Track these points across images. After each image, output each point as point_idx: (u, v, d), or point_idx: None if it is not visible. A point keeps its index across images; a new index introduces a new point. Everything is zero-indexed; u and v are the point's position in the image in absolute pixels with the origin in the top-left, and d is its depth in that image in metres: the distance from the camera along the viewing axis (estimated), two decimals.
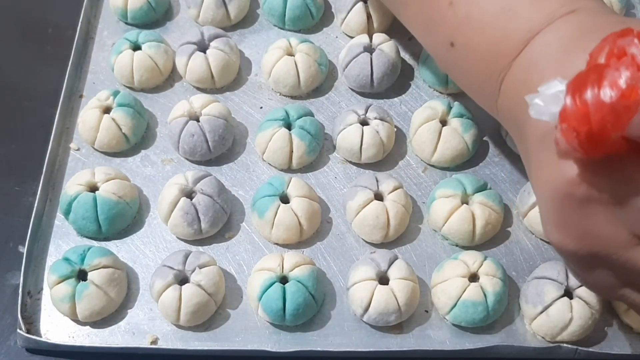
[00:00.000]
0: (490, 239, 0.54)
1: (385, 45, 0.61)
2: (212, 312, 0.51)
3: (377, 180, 0.55)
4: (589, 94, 0.27)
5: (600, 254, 0.33)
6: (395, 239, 0.54)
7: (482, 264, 0.50)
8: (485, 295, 0.49)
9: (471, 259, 0.51)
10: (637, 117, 0.27)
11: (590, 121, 0.27)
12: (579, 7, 0.39)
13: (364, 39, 0.61)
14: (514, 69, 0.41)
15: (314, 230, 0.55)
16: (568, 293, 0.49)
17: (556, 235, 0.35)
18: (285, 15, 0.65)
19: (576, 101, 0.27)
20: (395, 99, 0.62)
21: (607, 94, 0.27)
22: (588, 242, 0.33)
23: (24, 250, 0.53)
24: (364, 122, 0.57)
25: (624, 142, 0.28)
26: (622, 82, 0.27)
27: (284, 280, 0.50)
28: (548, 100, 0.29)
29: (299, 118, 0.57)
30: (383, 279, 0.51)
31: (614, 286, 0.36)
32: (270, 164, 0.58)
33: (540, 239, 0.55)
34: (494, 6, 0.42)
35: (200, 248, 0.54)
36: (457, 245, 0.54)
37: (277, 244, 0.54)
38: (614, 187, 0.30)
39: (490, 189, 0.55)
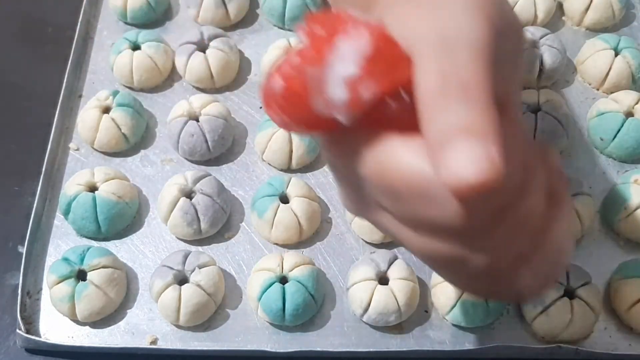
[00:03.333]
0: None
1: None
2: (212, 312, 0.51)
3: None
4: (270, 80, 0.28)
5: (367, 218, 0.34)
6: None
7: None
8: None
9: None
10: (315, 100, 0.27)
11: (271, 104, 0.28)
12: None
13: None
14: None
15: (314, 231, 0.55)
16: (568, 293, 0.49)
17: (339, 197, 0.36)
18: (285, 15, 0.65)
19: (266, 85, 0.29)
20: None
21: (276, 82, 0.28)
22: (353, 206, 0.35)
23: (23, 250, 0.52)
24: None
25: (327, 119, 0.28)
26: (285, 70, 0.28)
27: (283, 280, 0.50)
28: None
29: None
30: (383, 279, 0.51)
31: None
32: (269, 164, 0.58)
33: None
34: None
35: (200, 248, 0.54)
36: None
37: (276, 244, 0.54)
38: (342, 157, 0.31)
39: None
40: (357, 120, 0.28)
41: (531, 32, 0.62)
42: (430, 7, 0.29)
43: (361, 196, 0.32)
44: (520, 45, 0.33)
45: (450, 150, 0.25)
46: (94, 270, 0.50)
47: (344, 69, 0.27)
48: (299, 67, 0.27)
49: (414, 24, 0.29)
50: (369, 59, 0.27)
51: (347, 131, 0.29)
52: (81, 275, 0.51)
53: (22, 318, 0.50)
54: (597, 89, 0.63)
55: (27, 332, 0.50)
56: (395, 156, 0.28)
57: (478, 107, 0.26)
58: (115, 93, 0.59)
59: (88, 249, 0.51)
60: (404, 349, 0.50)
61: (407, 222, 0.30)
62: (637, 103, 0.58)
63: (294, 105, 0.28)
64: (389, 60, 0.28)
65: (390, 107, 0.28)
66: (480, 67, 0.27)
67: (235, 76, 0.63)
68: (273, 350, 0.49)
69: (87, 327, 0.51)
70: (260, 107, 0.62)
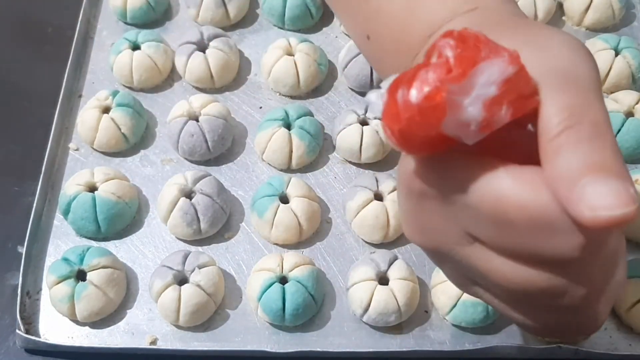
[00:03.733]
0: None
1: None
2: (212, 313, 0.51)
3: (376, 180, 0.55)
4: (399, 94, 0.28)
5: (441, 250, 0.33)
6: (395, 239, 0.54)
7: None
8: None
9: None
10: (450, 117, 0.27)
11: (400, 120, 0.28)
12: (483, 5, 0.38)
13: None
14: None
15: (314, 231, 0.55)
16: None
17: (405, 227, 0.35)
18: (284, 15, 0.65)
19: (390, 100, 0.28)
20: None
21: (414, 95, 0.27)
22: (428, 237, 0.34)
23: (22, 250, 0.52)
24: (363, 122, 0.57)
25: (446, 140, 0.28)
26: (429, 83, 0.27)
27: (283, 280, 0.50)
28: (378, 96, 0.29)
29: (298, 118, 0.57)
30: (383, 279, 0.51)
31: (465, 283, 0.36)
32: (269, 164, 0.58)
33: None
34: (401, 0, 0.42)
35: (200, 248, 0.54)
36: None
37: (276, 244, 0.54)
38: (443, 184, 0.31)
39: None
40: (475, 143, 0.28)
41: None
42: (538, 45, 0.31)
43: (443, 224, 0.32)
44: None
45: (588, 187, 0.26)
46: (93, 270, 0.50)
47: (484, 89, 0.27)
48: (442, 82, 0.27)
49: (535, 59, 0.29)
50: (508, 83, 0.27)
51: (457, 156, 0.29)
52: (81, 276, 0.50)
53: (21, 318, 0.50)
54: None
55: (27, 332, 0.50)
56: (515, 186, 0.28)
57: (609, 145, 0.27)
58: (115, 93, 0.59)
59: (88, 249, 0.51)
60: (404, 349, 0.50)
61: (509, 252, 0.30)
62: (637, 103, 0.58)
63: (426, 120, 0.27)
64: (524, 87, 0.28)
65: (509, 135, 0.29)
66: (602, 105, 0.29)
67: (235, 76, 0.63)
68: (273, 350, 0.49)
69: (87, 328, 0.51)
70: (261, 107, 0.62)
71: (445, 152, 0.29)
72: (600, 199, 0.26)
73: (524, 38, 0.31)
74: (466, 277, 0.35)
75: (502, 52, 0.28)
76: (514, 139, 0.29)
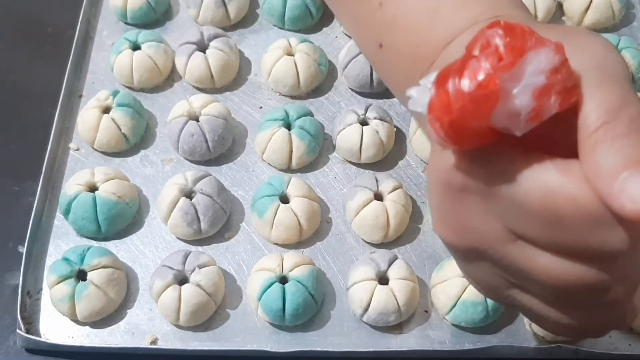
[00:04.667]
0: None
1: None
2: (212, 312, 0.51)
3: (376, 180, 0.55)
4: (450, 84, 0.28)
5: (479, 248, 0.33)
6: (395, 239, 0.54)
7: None
8: None
9: None
10: (500, 107, 0.27)
11: (452, 111, 0.27)
12: (502, 14, 0.38)
13: None
14: (431, 71, 0.40)
15: (314, 231, 0.55)
16: None
17: (438, 225, 0.34)
18: (285, 15, 0.65)
19: (439, 91, 0.28)
20: (395, 98, 0.62)
21: (467, 83, 0.27)
22: (465, 235, 0.33)
23: (23, 250, 0.52)
24: (363, 122, 0.57)
25: (493, 133, 0.28)
26: (482, 72, 0.27)
27: (283, 280, 0.50)
28: (421, 91, 0.29)
29: (298, 118, 0.57)
30: (383, 279, 0.51)
31: (499, 286, 0.35)
32: (269, 164, 0.58)
33: None
34: (420, 8, 0.42)
35: (200, 248, 0.54)
36: None
37: (276, 244, 0.54)
38: (487, 178, 0.30)
39: None
40: (521, 137, 0.28)
41: None
42: (574, 42, 0.31)
43: (485, 220, 0.32)
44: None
45: (629, 180, 0.27)
46: (94, 270, 0.50)
47: (534, 78, 0.27)
48: (495, 70, 0.27)
49: (573, 54, 0.29)
50: (555, 73, 0.27)
51: (503, 149, 0.29)
52: (81, 275, 0.51)
53: (22, 318, 0.50)
54: None
55: (27, 332, 0.50)
56: (563, 180, 0.28)
57: None
58: (115, 93, 0.59)
59: (88, 249, 0.51)
60: (404, 349, 0.50)
61: (556, 248, 0.30)
62: None
63: (479, 108, 0.27)
64: (568, 79, 0.28)
65: (554, 129, 0.29)
66: (637, 100, 0.29)
67: (235, 76, 0.63)
68: (273, 350, 0.49)
69: (87, 327, 0.51)
70: (261, 107, 0.62)
71: (490, 146, 0.29)
72: None
73: (559, 37, 0.30)
74: (502, 278, 0.34)
75: (548, 42, 0.28)
76: (557, 133, 0.29)
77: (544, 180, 0.28)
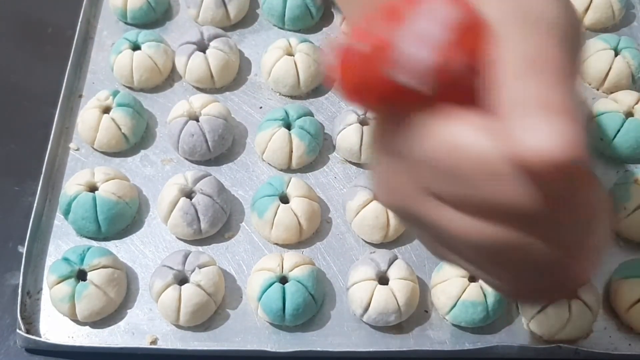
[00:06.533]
0: None
1: None
2: (212, 312, 0.51)
3: None
4: (348, 40, 0.27)
5: (405, 209, 0.32)
6: (395, 239, 0.54)
7: None
8: (485, 295, 0.49)
9: None
10: (397, 62, 0.26)
11: (343, 66, 0.27)
12: None
13: None
14: None
15: (314, 230, 0.55)
16: None
17: (374, 189, 0.34)
18: (285, 15, 0.65)
19: (341, 49, 0.27)
20: None
21: (356, 39, 0.27)
22: (392, 196, 0.32)
23: (23, 250, 0.52)
24: (363, 122, 0.57)
25: (399, 90, 0.27)
26: (374, 27, 0.27)
27: (283, 280, 0.50)
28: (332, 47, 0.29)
29: (298, 118, 0.57)
30: (383, 279, 0.51)
31: (436, 246, 0.34)
32: (269, 164, 0.58)
33: None
34: None
35: (200, 248, 0.54)
36: None
37: (276, 244, 0.54)
38: (399, 139, 0.29)
39: None
40: (436, 96, 0.26)
41: None
42: None
43: (402, 180, 0.31)
44: (582, 36, 0.32)
45: (532, 125, 0.24)
46: (94, 270, 0.50)
47: (430, 31, 0.26)
48: (385, 26, 0.26)
49: (496, 1, 0.28)
50: (457, 26, 0.26)
51: (412, 108, 0.28)
52: (81, 275, 0.51)
53: (22, 318, 0.50)
54: (597, 89, 0.63)
55: (27, 332, 0.50)
56: (463, 134, 0.26)
57: (560, 87, 0.25)
58: (115, 93, 0.59)
59: (88, 249, 0.51)
60: (404, 349, 0.50)
61: (466, 207, 0.28)
62: (637, 103, 0.58)
63: (367, 64, 0.26)
64: (476, 31, 0.27)
65: (468, 84, 0.27)
66: (564, 49, 0.27)
67: (235, 76, 0.63)
68: (273, 350, 0.49)
69: (87, 327, 0.51)
70: (261, 107, 0.62)
71: (403, 106, 0.28)
72: (543, 139, 0.24)
73: None
74: (436, 240, 0.33)
75: None
76: (472, 88, 0.27)
77: (449, 135, 0.27)
